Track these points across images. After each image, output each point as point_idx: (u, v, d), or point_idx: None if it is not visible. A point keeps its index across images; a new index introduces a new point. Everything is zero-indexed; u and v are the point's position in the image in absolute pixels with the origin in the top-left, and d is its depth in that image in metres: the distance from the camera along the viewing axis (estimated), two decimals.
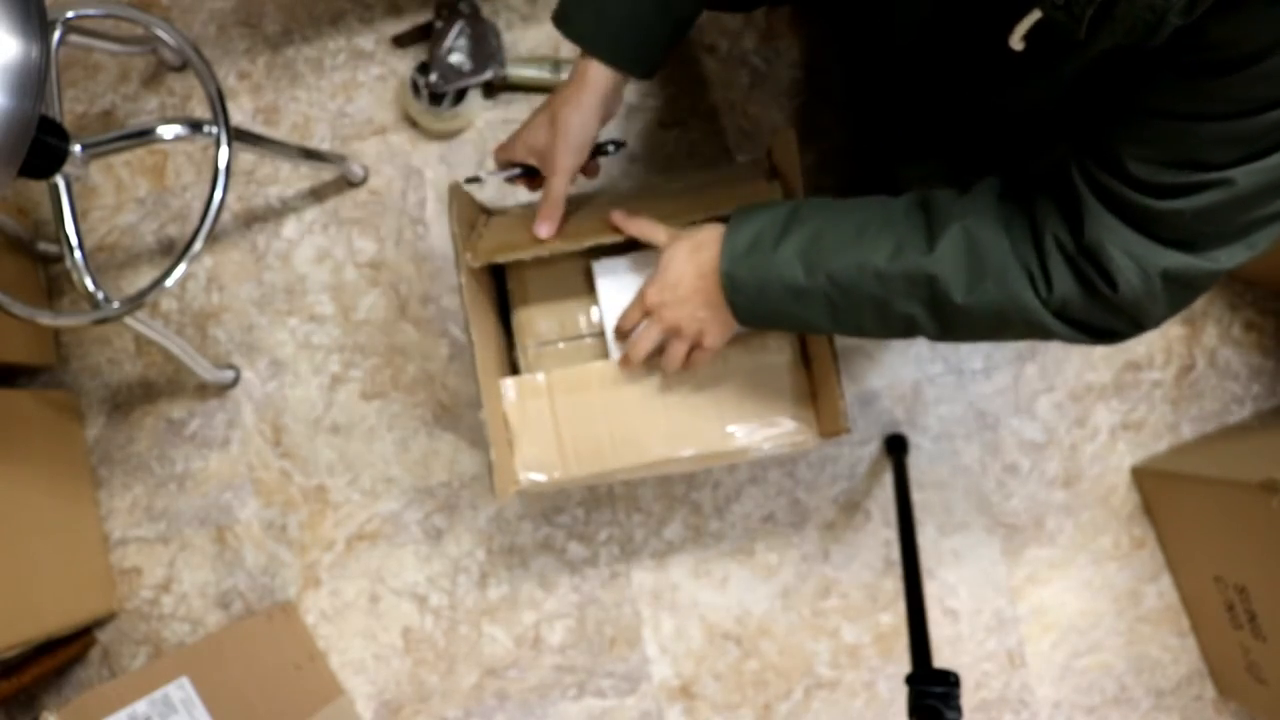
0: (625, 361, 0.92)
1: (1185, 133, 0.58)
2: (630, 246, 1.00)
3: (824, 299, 0.74)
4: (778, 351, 0.96)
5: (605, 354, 1.00)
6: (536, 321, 1.03)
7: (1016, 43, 0.60)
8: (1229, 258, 0.63)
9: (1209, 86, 0.55)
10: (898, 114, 1.01)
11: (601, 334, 1.01)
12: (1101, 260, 0.64)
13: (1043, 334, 0.70)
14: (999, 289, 0.68)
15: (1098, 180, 0.63)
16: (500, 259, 0.93)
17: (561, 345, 1.02)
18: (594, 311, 1.02)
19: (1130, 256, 0.63)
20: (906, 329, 0.74)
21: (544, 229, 0.87)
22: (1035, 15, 0.58)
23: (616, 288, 0.99)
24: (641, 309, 0.88)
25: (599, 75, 0.79)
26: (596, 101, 0.80)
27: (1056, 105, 0.73)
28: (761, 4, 1.05)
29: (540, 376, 0.97)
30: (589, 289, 1.01)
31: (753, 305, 0.78)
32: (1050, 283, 0.67)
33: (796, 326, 0.81)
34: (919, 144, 0.96)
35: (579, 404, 0.96)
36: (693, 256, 0.81)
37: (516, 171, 0.90)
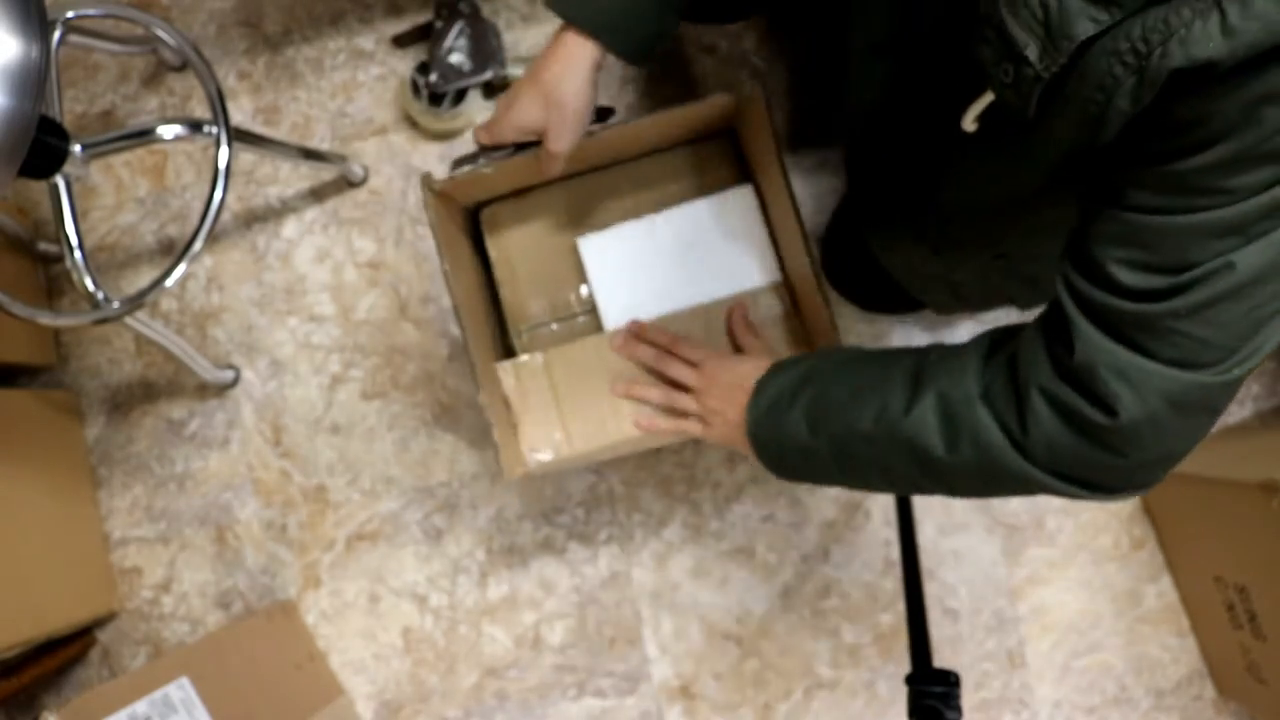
0: (645, 423, 0.95)
1: (1169, 229, 0.52)
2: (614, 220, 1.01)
3: (830, 458, 0.73)
4: (773, 325, 0.97)
5: (599, 328, 1.01)
6: (527, 304, 1.03)
7: (969, 124, 0.58)
8: (1237, 364, 0.55)
9: (1185, 173, 0.50)
10: (864, 177, 0.98)
11: (593, 310, 1.02)
12: (1093, 384, 0.57)
13: (1041, 488, 0.64)
14: (974, 449, 0.64)
15: (1084, 295, 0.57)
16: (465, 199, 0.94)
17: (554, 326, 1.03)
18: (583, 289, 1.02)
19: (1125, 379, 0.56)
20: (915, 487, 0.71)
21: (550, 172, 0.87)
22: (989, 97, 0.55)
23: (604, 263, 1.00)
24: (691, 369, 0.90)
25: (588, 49, 0.77)
26: (591, 74, 0.78)
27: (1029, 204, 0.69)
28: (741, 18, 1.04)
29: (538, 357, 0.97)
30: (576, 268, 1.02)
31: (777, 462, 0.79)
32: (1025, 428, 0.61)
33: (825, 482, 0.79)
34: (886, 211, 0.93)
35: (578, 380, 0.97)
36: (748, 375, 0.82)
37: (509, 152, 0.87)
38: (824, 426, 0.72)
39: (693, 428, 0.91)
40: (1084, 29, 0.47)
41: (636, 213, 1.01)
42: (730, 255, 1.00)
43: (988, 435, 0.63)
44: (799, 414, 0.74)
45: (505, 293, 1.03)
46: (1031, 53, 0.50)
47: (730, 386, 0.84)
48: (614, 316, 1.00)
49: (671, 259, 1.00)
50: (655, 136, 0.99)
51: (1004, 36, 0.51)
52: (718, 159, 1.03)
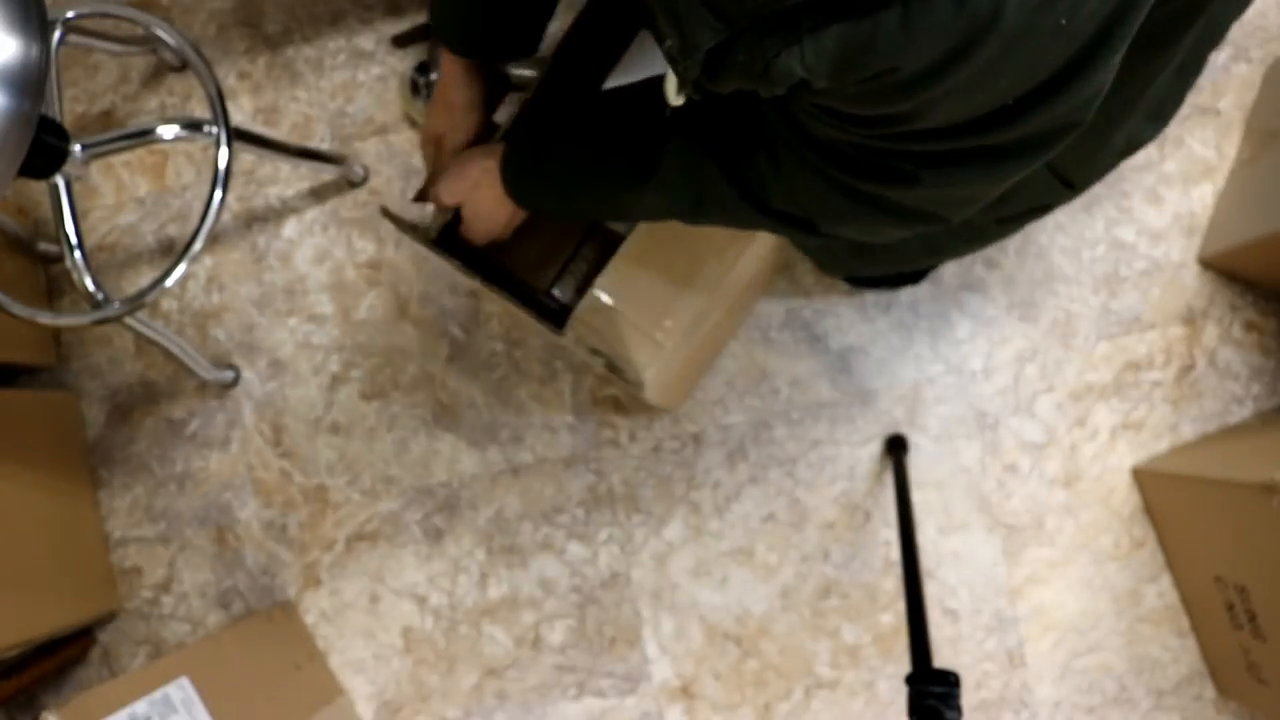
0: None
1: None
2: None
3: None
4: None
5: None
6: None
7: (673, 97, 0.62)
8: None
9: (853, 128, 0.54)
10: None
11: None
12: None
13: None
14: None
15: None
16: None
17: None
18: None
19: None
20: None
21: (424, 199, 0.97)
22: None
23: None
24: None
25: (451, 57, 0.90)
26: (465, 77, 0.90)
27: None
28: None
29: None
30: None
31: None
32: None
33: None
34: None
35: None
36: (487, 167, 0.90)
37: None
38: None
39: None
40: (705, 39, 0.50)
41: None
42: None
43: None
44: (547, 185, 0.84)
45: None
46: (674, 49, 0.54)
47: (483, 186, 0.91)
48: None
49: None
50: None
51: (658, 30, 0.55)
52: None
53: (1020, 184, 0.79)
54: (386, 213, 0.97)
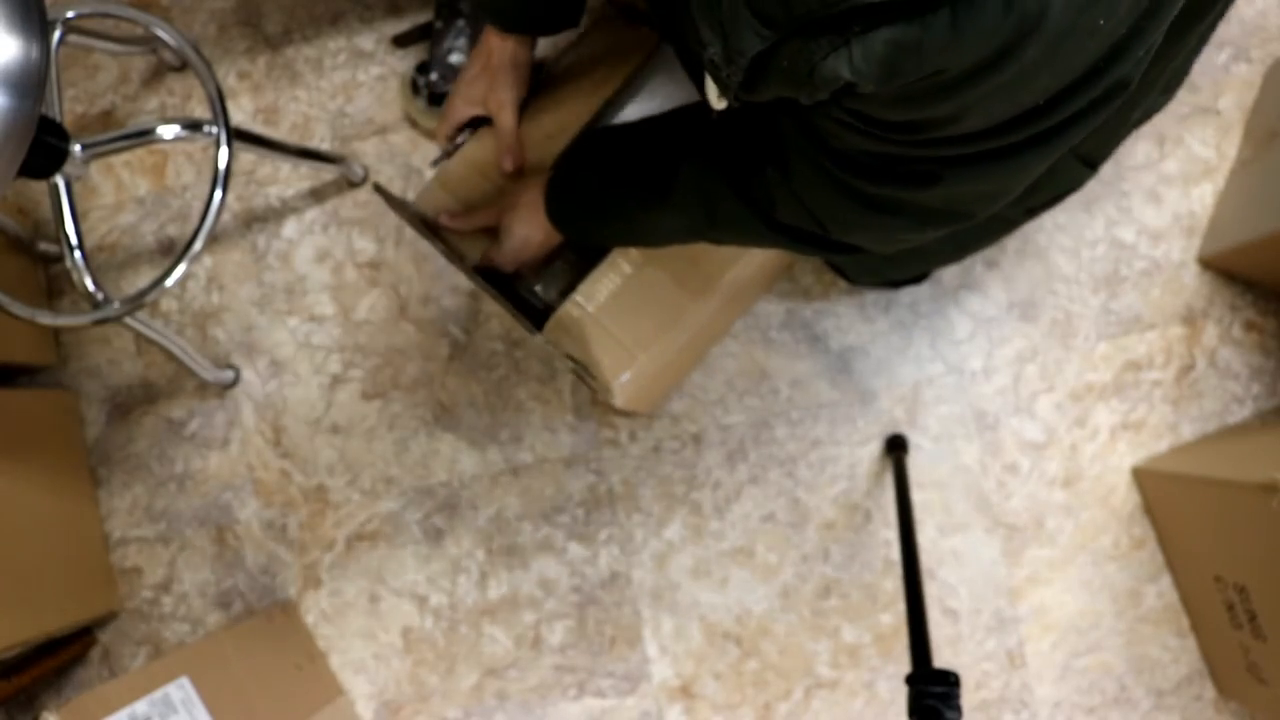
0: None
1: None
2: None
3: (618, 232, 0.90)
4: None
5: None
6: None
7: (716, 102, 0.64)
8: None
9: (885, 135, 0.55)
10: None
11: None
12: None
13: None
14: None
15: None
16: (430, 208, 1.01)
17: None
18: None
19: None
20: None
21: (510, 163, 0.99)
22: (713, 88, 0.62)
23: None
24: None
25: (498, 34, 0.94)
26: (514, 44, 0.93)
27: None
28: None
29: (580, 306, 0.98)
30: None
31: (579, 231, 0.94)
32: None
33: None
34: None
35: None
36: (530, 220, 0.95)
37: (467, 134, 1.01)
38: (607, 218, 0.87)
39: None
40: (752, 45, 0.50)
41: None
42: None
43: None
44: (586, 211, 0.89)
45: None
46: (717, 57, 0.54)
47: (524, 206, 0.96)
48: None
49: None
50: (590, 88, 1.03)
51: (698, 38, 0.56)
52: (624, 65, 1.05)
53: (1051, 172, 0.81)
54: (379, 189, 0.97)
